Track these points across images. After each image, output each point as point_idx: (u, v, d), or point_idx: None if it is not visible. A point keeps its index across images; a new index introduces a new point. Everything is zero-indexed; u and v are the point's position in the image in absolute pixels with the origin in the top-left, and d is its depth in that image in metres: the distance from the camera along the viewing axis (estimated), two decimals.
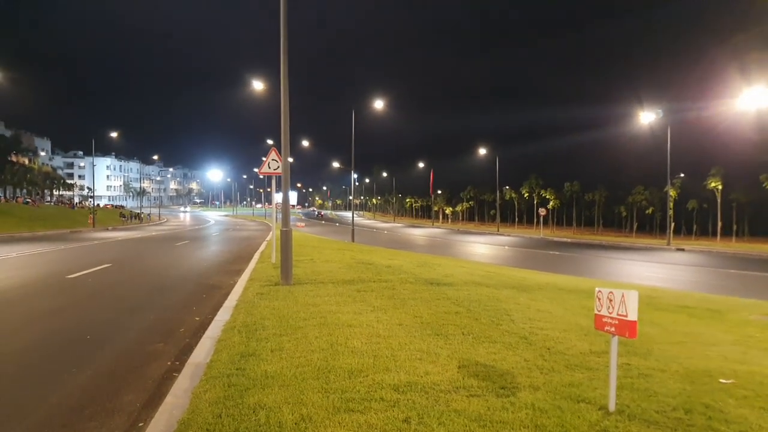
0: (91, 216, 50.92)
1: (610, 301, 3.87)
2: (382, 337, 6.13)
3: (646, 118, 38.09)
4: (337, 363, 5.04)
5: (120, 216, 70.91)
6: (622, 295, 3.75)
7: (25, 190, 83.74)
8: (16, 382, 5.22)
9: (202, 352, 5.76)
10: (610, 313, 3.87)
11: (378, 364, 5.03)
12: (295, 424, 3.66)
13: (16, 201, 69.62)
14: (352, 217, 44.19)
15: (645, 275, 20.15)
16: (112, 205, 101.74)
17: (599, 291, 4.01)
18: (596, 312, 4.04)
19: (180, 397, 4.37)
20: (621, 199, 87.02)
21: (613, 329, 3.84)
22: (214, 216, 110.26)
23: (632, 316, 3.67)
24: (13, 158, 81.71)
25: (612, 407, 3.90)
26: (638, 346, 5.96)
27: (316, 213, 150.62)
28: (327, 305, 8.17)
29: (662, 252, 33.57)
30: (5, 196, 79.62)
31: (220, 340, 6.13)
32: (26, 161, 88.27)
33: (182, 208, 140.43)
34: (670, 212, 41.21)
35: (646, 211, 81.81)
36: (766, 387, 4.69)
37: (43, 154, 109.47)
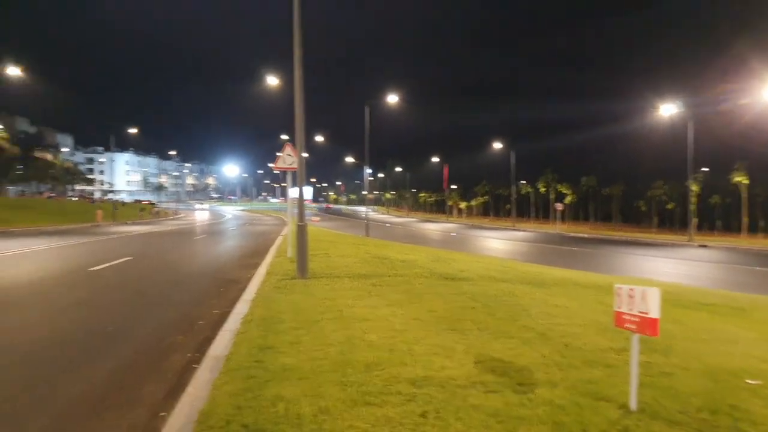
0: (99, 211, 51.42)
1: (631, 297, 3.82)
2: (398, 331, 6.13)
3: (666, 110, 37.48)
4: (354, 356, 5.05)
5: (140, 210, 72.14)
6: (643, 292, 3.70)
7: (48, 185, 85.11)
8: (41, 371, 5.31)
9: (221, 344, 5.82)
10: (630, 310, 3.83)
11: (394, 358, 5.03)
12: (314, 416, 3.68)
13: (41, 195, 70.84)
14: (366, 212, 44.23)
15: (665, 272, 19.91)
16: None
17: (619, 287, 3.96)
18: (616, 309, 3.99)
19: (200, 388, 4.42)
20: (640, 194, 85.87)
21: (633, 326, 3.80)
22: (230, 211, 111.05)
23: (654, 313, 3.62)
24: (37, 154, 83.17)
25: (633, 405, 3.86)
26: (659, 343, 5.88)
27: (325, 207, 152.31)
28: (343, 299, 8.20)
29: (684, 248, 33.12)
30: (30, 191, 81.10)
31: (239, 333, 6.18)
32: (49, 157, 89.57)
33: (197, 204, 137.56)
34: (692, 207, 40.58)
35: (667, 206, 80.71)
36: None
37: (65, 149, 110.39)
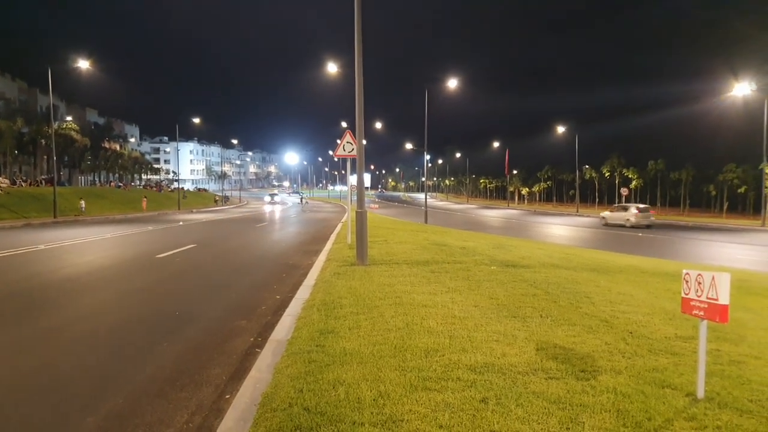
0: (144, 199, 53.22)
1: (699, 283, 3.68)
2: (457, 318, 6.13)
3: (741, 90, 35.40)
4: (413, 342, 5.10)
5: (214, 201, 76.15)
6: (712, 278, 3.56)
7: (117, 175, 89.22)
8: (115, 353, 5.65)
9: (283, 329, 6.00)
10: (698, 296, 3.69)
11: (454, 344, 5.04)
12: (374, 400, 3.75)
13: (110, 185, 74.58)
14: (425, 198, 44.05)
15: (736, 257, 18.96)
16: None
17: (687, 273, 3.82)
18: (683, 295, 3.85)
19: (263, 371, 4.58)
20: (710, 178, 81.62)
21: (701, 313, 3.66)
22: (291, 198, 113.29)
23: (723, 299, 3.48)
24: (106, 144, 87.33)
25: (700, 394, 3.73)
26: (729, 331, 5.65)
27: (380, 192, 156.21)
28: (402, 285, 8.26)
29: (756, 233, 31.38)
30: (99, 181, 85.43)
31: (300, 318, 6.34)
32: (117, 147, 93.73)
33: (267, 195, 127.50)
34: (766, 191, 38.25)
35: (738, 191, 76.34)
36: None
37: (132, 140, 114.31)
